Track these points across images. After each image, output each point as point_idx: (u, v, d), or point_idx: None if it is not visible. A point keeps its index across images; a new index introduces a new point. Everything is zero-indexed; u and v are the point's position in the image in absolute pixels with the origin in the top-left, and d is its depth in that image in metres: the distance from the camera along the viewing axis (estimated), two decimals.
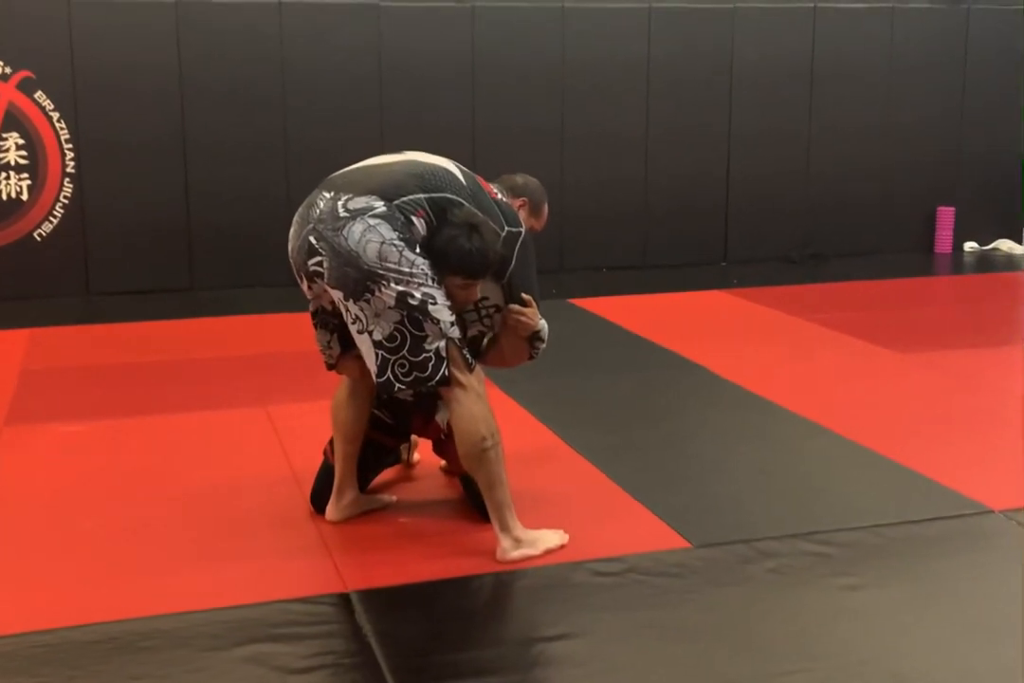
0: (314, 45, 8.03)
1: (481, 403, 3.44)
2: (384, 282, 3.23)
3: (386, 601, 3.24)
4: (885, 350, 6.13)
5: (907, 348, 6.16)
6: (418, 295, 3.25)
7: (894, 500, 3.97)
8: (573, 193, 8.55)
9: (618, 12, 8.62)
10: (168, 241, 7.99)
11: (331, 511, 3.77)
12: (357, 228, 3.24)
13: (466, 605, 3.28)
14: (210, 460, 4.45)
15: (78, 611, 3.17)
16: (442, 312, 3.30)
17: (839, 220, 9.39)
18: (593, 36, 8.57)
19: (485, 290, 3.58)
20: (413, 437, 4.13)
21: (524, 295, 3.58)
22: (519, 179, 3.89)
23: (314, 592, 3.25)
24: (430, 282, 3.28)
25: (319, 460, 3.91)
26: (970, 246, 9.71)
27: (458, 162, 3.59)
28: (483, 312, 3.64)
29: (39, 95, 7.60)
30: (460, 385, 3.39)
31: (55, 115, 7.65)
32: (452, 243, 3.31)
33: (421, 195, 3.32)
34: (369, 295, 3.26)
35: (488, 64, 8.36)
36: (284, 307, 6.85)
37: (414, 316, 3.26)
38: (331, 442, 3.84)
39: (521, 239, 3.54)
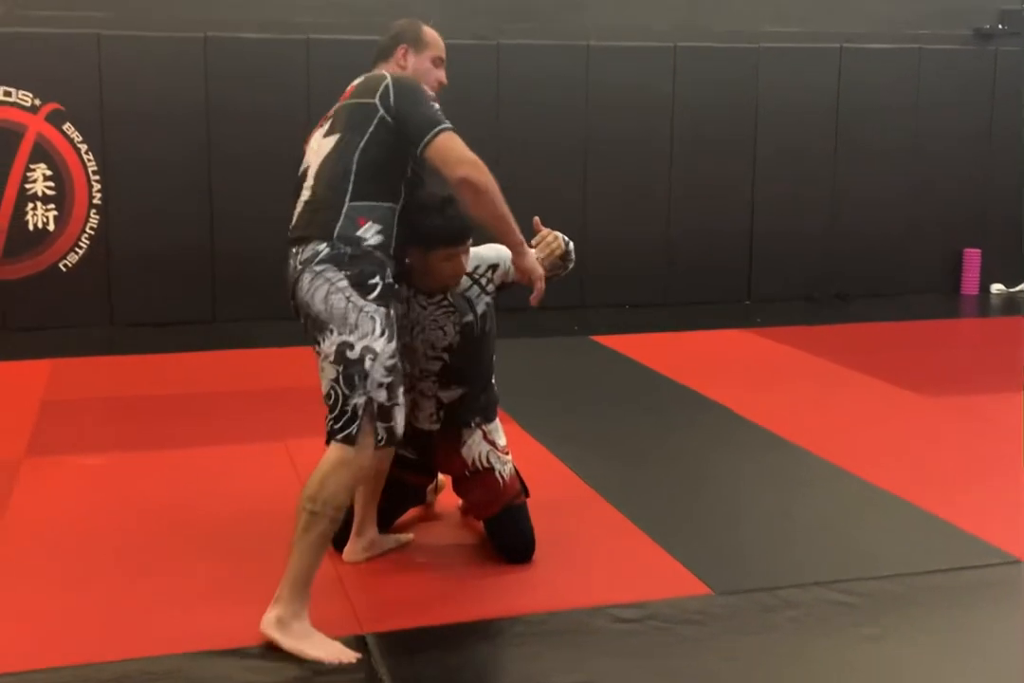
0: (341, 81, 7.99)
1: (346, 475, 3.14)
2: (327, 333, 3.15)
3: (403, 644, 3.20)
4: (911, 393, 6.07)
5: (933, 391, 6.10)
6: (357, 348, 3.11)
7: (919, 548, 3.91)
8: (596, 230, 8.55)
9: (643, 51, 8.66)
10: (192, 274, 8.02)
11: (349, 552, 3.74)
12: (306, 278, 3.19)
13: (484, 649, 3.24)
14: (229, 495, 4.42)
15: (92, 648, 3.14)
16: (376, 370, 3.12)
17: (864, 260, 9.36)
18: (617, 74, 8.61)
19: (475, 258, 3.60)
20: (440, 478, 4.09)
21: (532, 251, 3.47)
22: (385, 39, 3.58)
23: (331, 634, 3.19)
24: (374, 331, 3.13)
25: None
26: (997, 288, 9.66)
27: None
28: (483, 280, 3.65)
29: (67, 127, 7.66)
30: (350, 448, 3.14)
31: (83, 147, 7.71)
32: (428, 224, 3.32)
33: (345, 205, 3.17)
34: (318, 347, 3.20)
35: (512, 102, 8.39)
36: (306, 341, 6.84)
37: (348, 373, 3.11)
38: None
39: (388, 86, 3.24)
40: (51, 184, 7.69)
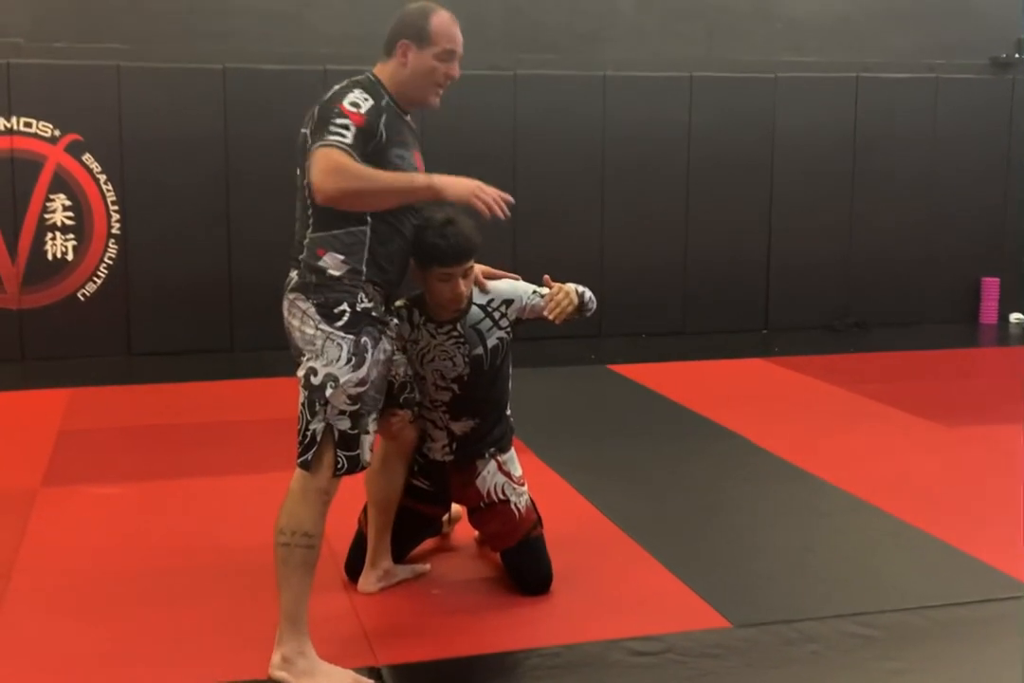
0: None
1: (308, 502, 3.15)
2: (302, 358, 3.17)
3: (418, 676, 3.18)
4: (930, 423, 6.03)
5: (953, 422, 6.06)
6: (321, 375, 3.10)
7: (941, 581, 3.87)
8: (613, 259, 8.53)
9: (660, 81, 8.68)
10: (210, 303, 8.04)
11: (364, 582, 3.72)
12: (285, 305, 3.23)
13: (499, 682, 3.20)
14: (246, 525, 4.39)
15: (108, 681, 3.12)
16: (338, 397, 3.11)
17: (882, 289, 9.33)
18: (634, 105, 8.63)
19: (490, 291, 3.58)
20: (455, 509, 4.07)
21: (548, 281, 3.47)
22: (389, 30, 3.25)
23: (345, 666, 3.17)
24: (339, 359, 3.10)
25: (353, 528, 3.86)
26: (1016, 317, 9.60)
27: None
28: (495, 314, 3.62)
29: (87, 158, 7.71)
30: (307, 474, 3.17)
31: (102, 177, 7.75)
32: (424, 242, 3.32)
33: (307, 237, 3.17)
34: (296, 369, 3.20)
35: (529, 132, 8.41)
36: None
37: (312, 399, 3.13)
38: (365, 511, 3.80)
39: (315, 112, 3.13)
40: (70, 214, 7.73)
